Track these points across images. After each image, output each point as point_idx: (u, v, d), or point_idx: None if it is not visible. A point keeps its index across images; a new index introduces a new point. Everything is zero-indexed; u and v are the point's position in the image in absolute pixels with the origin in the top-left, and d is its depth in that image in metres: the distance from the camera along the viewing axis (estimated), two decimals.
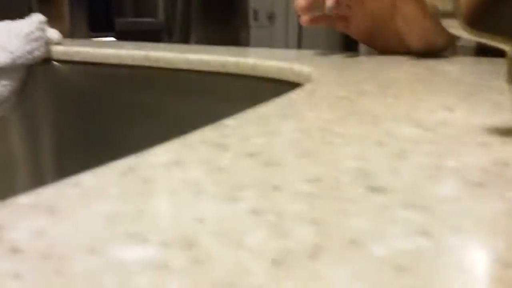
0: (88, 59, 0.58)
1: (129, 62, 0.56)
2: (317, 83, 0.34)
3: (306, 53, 0.56)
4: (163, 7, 1.50)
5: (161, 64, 0.54)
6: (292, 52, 0.57)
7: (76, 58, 0.59)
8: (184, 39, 1.50)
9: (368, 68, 0.42)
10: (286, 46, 4.17)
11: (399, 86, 0.32)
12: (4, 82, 0.54)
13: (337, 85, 0.33)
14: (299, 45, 4.34)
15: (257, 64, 0.49)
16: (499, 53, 0.21)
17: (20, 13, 0.62)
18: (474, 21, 0.55)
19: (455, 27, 0.20)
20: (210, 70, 0.53)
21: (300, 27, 4.13)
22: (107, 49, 0.57)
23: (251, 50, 0.62)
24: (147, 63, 0.55)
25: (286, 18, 4.06)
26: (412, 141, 0.19)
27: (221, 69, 0.51)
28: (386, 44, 0.55)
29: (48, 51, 0.60)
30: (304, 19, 0.53)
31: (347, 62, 0.47)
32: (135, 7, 1.55)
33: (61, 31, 0.63)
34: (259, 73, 0.49)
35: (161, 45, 0.76)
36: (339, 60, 0.48)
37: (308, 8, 0.51)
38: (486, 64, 0.44)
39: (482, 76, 0.36)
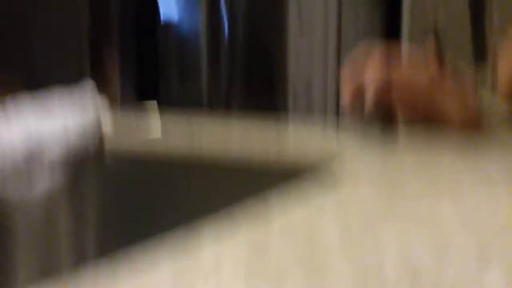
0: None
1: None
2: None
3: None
4: (208, 74, 1.57)
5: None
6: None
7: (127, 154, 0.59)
8: (226, 106, 1.55)
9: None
10: (325, 112, 4.19)
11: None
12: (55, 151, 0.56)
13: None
14: (337, 111, 4.36)
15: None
16: None
17: (71, 77, 0.65)
18: None
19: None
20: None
21: (337, 93, 4.18)
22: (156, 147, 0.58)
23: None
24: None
25: (325, 85, 4.12)
26: None
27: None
28: (427, 116, 0.54)
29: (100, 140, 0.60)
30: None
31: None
32: (180, 73, 1.63)
33: (109, 97, 0.65)
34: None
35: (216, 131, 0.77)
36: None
37: (353, 104, 0.51)
38: None
39: None
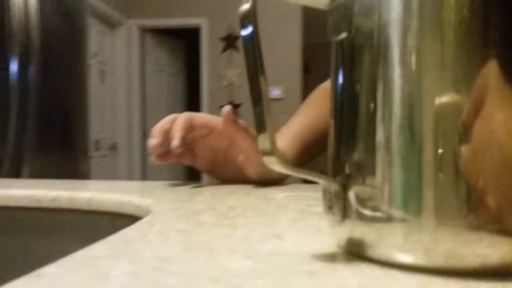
0: None
1: None
2: (156, 216, 0.33)
3: (148, 184, 0.55)
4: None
5: None
6: (134, 184, 0.56)
7: None
8: (16, 173, 1.37)
9: (207, 198, 0.43)
10: (130, 177, 4.10)
11: (235, 215, 0.33)
12: None
13: (176, 218, 0.32)
14: (144, 176, 4.32)
15: (93, 198, 0.47)
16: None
17: None
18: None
19: (274, 164, 0.22)
20: (39, 206, 0.48)
21: (144, 157, 4.16)
22: None
23: (88, 182, 0.59)
24: None
25: (129, 148, 4.07)
26: (245, 276, 0.19)
27: (52, 205, 0.48)
28: (227, 174, 0.58)
29: None
30: (154, 157, 0.54)
31: (188, 193, 0.47)
32: None
33: None
34: (96, 207, 0.47)
35: None
36: (180, 191, 0.49)
37: (160, 146, 0.53)
38: (310, 190, 0.49)
39: (307, 202, 0.40)
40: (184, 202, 0.41)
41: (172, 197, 0.44)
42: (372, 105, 0.22)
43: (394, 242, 0.21)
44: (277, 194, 0.46)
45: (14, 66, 1.37)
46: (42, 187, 0.51)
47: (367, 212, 0.22)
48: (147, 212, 0.40)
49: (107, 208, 0.46)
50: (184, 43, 4.79)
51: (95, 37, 3.49)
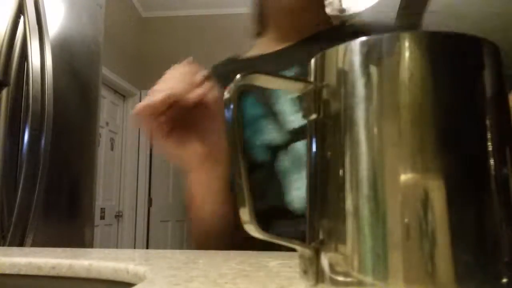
0: None
1: None
2: (149, 283, 0.35)
3: (146, 252, 0.57)
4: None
5: None
6: (132, 252, 0.57)
7: None
8: (20, 241, 1.38)
9: (201, 266, 0.44)
10: (134, 245, 4.06)
11: (225, 282, 0.35)
12: None
13: (168, 285, 0.34)
14: (147, 245, 4.26)
15: (92, 266, 0.48)
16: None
17: None
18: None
19: (252, 231, 0.24)
20: (40, 274, 0.50)
21: (148, 226, 4.14)
22: None
23: (88, 251, 0.60)
24: None
25: (134, 217, 4.06)
26: None
27: (52, 272, 0.49)
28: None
29: None
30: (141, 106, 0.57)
31: (183, 260, 0.49)
32: None
33: None
34: (94, 275, 0.48)
35: None
36: (176, 259, 0.50)
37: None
38: None
39: (297, 269, 0.41)
40: (178, 269, 0.42)
41: (167, 264, 0.45)
42: (341, 176, 0.24)
43: None
44: (270, 262, 0.47)
45: (26, 135, 1.42)
46: (43, 255, 0.52)
47: (338, 277, 0.23)
48: (142, 279, 0.42)
49: (104, 275, 0.47)
50: None
51: (107, 107, 3.62)
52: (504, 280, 0.22)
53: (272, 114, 0.70)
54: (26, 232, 1.39)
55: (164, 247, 4.26)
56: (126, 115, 4.03)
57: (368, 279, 0.22)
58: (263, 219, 0.72)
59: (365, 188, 0.23)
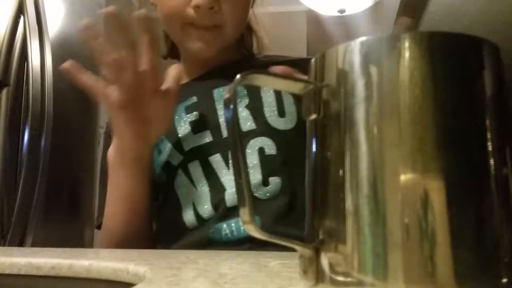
0: None
1: None
2: (148, 283, 0.35)
3: (146, 252, 0.57)
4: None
5: None
6: (132, 252, 0.57)
7: None
8: (20, 240, 1.38)
9: (201, 266, 0.44)
10: None
11: (224, 282, 0.35)
12: None
13: (167, 285, 0.34)
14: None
15: (92, 266, 0.48)
16: None
17: None
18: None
19: (252, 231, 0.24)
20: (40, 274, 0.50)
21: None
22: None
23: (88, 251, 0.60)
24: None
25: None
26: None
27: (52, 272, 0.49)
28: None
29: None
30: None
31: (183, 260, 0.49)
32: None
33: None
34: (94, 275, 0.48)
35: None
36: (176, 258, 0.50)
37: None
38: None
39: (297, 269, 0.41)
40: (178, 269, 0.42)
41: (167, 264, 0.45)
42: (341, 176, 0.24)
43: None
44: (270, 262, 0.47)
45: (26, 135, 1.42)
46: (43, 255, 0.52)
47: (338, 277, 0.23)
48: (142, 279, 0.41)
49: (103, 276, 0.47)
50: None
51: None
52: (504, 280, 0.22)
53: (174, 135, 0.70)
54: (26, 232, 1.39)
55: None
56: None
57: (368, 279, 0.22)
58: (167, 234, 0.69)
59: (365, 188, 0.23)
